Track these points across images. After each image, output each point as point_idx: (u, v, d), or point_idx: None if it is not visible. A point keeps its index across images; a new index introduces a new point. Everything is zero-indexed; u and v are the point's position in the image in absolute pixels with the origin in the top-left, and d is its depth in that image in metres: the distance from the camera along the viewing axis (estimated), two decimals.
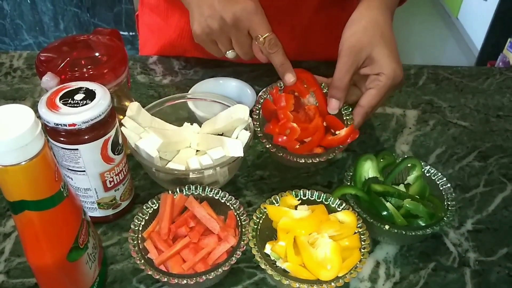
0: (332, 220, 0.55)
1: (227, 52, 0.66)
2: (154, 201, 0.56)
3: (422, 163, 0.61)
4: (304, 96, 0.65)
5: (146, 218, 0.55)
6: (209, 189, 0.57)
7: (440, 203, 0.58)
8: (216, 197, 0.57)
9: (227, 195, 0.56)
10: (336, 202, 0.57)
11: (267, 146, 0.61)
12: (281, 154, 0.60)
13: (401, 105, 0.81)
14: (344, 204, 0.56)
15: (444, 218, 0.55)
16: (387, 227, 0.54)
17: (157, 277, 0.49)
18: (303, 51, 0.87)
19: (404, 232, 0.54)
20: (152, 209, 0.56)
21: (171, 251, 0.52)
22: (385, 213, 0.56)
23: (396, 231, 0.54)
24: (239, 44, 0.64)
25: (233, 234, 0.53)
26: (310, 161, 0.60)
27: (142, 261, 0.50)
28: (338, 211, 0.56)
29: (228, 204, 0.56)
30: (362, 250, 0.52)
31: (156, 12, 0.89)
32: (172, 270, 0.51)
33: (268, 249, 0.53)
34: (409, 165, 0.61)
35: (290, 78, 0.64)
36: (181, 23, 0.86)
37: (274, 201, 0.56)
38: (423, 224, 0.56)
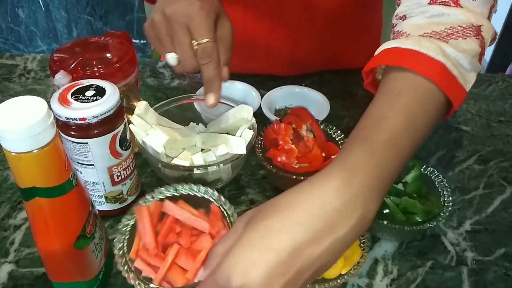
0: None
1: (167, 54, 0.56)
2: (128, 216, 0.53)
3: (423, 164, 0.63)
4: (300, 127, 0.68)
5: (128, 237, 0.51)
6: (180, 187, 0.55)
7: (436, 200, 0.59)
8: (192, 194, 0.55)
9: (201, 188, 0.54)
10: None
11: (268, 167, 0.62)
12: (282, 173, 0.61)
13: None
14: None
15: (441, 213, 0.57)
16: (385, 222, 0.55)
17: None
18: (328, 60, 0.87)
19: (402, 227, 0.55)
20: (129, 226, 0.52)
21: (167, 264, 0.48)
22: (386, 210, 0.58)
23: (395, 226, 0.55)
24: (177, 44, 0.55)
25: (222, 226, 0.52)
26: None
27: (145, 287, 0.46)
28: None
29: (206, 197, 0.54)
30: (362, 245, 0.53)
31: None
32: (176, 283, 0.47)
33: None
34: (410, 164, 0.63)
35: (210, 99, 0.55)
36: None
37: None
38: (420, 220, 0.57)
